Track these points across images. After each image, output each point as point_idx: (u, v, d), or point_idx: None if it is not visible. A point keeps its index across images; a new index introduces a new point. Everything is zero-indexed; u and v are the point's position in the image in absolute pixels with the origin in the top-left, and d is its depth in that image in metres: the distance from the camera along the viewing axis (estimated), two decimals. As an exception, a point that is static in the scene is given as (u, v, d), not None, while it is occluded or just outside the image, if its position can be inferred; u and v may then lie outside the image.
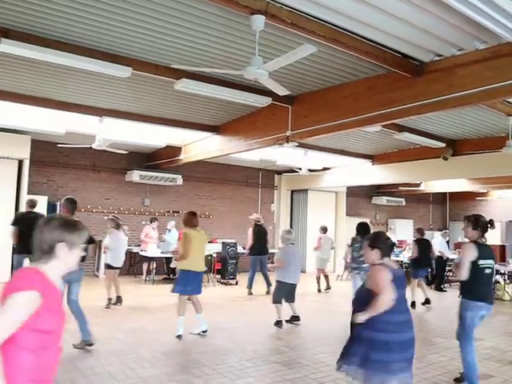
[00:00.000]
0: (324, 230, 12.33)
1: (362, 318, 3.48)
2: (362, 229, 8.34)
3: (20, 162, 11.12)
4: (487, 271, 4.80)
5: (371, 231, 8.57)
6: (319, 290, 11.72)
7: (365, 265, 8.29)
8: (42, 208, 9.78)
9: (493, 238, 20.77)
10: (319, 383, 5.01)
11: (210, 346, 6.32)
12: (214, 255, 12.53)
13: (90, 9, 4.93)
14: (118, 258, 9.00)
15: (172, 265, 11.18)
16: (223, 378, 5.04)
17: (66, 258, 2.11)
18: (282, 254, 8.02)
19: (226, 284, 12.18)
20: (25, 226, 7.96)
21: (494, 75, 5.26)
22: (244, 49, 5.82)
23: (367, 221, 17.95)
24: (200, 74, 6.56)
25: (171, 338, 6.52)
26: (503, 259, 15.49)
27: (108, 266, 9.06)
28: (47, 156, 12.05)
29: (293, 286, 7.82)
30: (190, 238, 6.76)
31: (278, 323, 7.64)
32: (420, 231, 10.67)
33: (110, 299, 8.70)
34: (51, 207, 10.90)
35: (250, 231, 11.50)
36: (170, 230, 12.72)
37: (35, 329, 1.94)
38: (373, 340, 3.45)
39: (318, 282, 11.83)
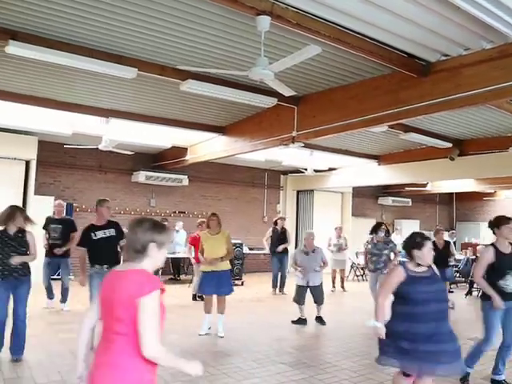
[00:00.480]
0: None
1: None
2: (377, 229, 8.84)
3: (27, 163, 11.18)
4: None
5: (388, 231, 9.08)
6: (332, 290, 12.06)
7: (379, 265, 8.47)
8: (48, 209, 9.82)
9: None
10: (325, 384, 5.00)
11: (216, 346, 6.32)
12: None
13: (95, 10, 4.95)
14: None
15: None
16: (228, 379, 5.05)
17: (156, 256, 2.31)
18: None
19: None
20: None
21: (501, 75, 5.24)
22: (249, 49, 5.82)
23: (374, 221, 17.99)
24: (205, 74, 6.57)
25: (176, 339, 6.52)
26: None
27: None
28: (54, 157, 12.10)
29: (305, 288, 7.93)
30: (202, 241, 7.04)
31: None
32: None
33: None
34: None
35: (269, 231, 11.80)
36: (178, 231, 12.74)
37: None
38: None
39: (333, 282, 12.23)
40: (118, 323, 2.18)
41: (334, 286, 12.21)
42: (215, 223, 7.09)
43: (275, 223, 11.87)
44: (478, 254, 11.51)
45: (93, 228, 6.15)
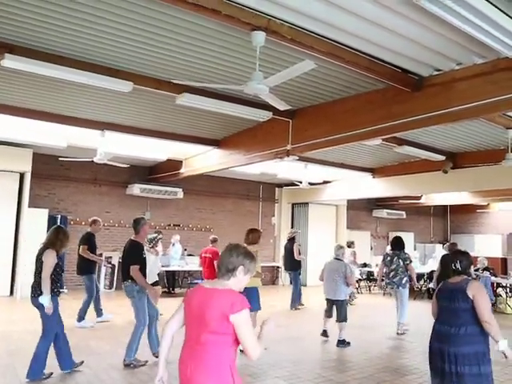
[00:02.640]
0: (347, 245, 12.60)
1: None
2: (396, 244, 8.69)
3: (21, 175, 11.17)
4: None
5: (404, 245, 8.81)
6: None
7: (395, 279, 8.45)
8: (42, 221, 9.80)
9: (494, 250, 20.78)
10: (320, 398, 4.98)
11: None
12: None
13: (91, 24, 4.99)
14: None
15: None
16: (224, 393, 5.01)
17: (241, 279, 2.67)
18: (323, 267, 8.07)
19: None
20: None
21: (493, 89, 5.30)
22: (245, 64, 5.87)
23: (368, 234, 18.02)
24: (201, 88, 6.61)
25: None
26: (505, 272, 15.47)
27: None
28: (48, 169, 12.08)
29: (329, 301, 7.76)
30: None
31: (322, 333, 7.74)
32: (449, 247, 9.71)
33: None
34: (52, 220, 10.90)
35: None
36: (174, 244, 12.71)
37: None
38: None
39: None
40: (209, 334, 2.52)
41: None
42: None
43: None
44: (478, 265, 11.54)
45: (142, 246, 6.22)
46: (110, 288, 12.67)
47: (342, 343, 7.39)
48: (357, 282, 14.30)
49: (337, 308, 7.61)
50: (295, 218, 16.81)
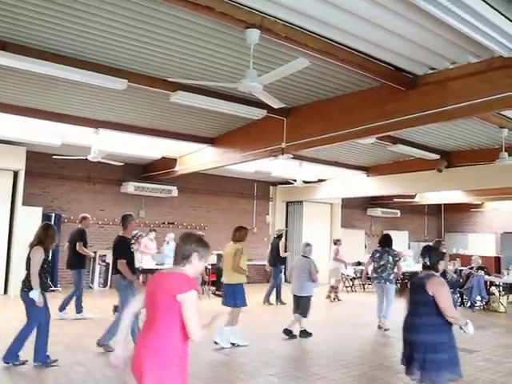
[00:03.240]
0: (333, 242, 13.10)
1: None
2: (385, 241, 9.12)
3: (15, 174, 11.11)
4: None
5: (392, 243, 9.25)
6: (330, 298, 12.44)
7: (384, 273, 8.70)
8: (36, 219, 9.76)
9: (488, 249, 20.86)
10: (314, 396, 4.99)
11: (203, 357, 6.28)
12: (209, 267, 12.50)
13: (86, 22, 4.97)
14: None
15: None
16: (217, 391, 5.02)
17: (196, 264, 2.85)
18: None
19: (220, 296, 12.11)
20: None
21: (487, 88, 5.32)
22: (239, 62, 5.86)
23: (363, 232, 18.08)
24: (195, 86, 6.60)
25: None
26: (498, 271, 15.53)
27: None
28: (42, 167, 12.02)
29: (295, 297, 7.89)
30: (223, 252, 7.43)
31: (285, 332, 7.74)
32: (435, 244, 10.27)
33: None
34: (46, 218, 10.84)
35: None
36: (168, 242, 12.69)
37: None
38: None
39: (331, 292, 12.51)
40: (159, 313, 2.70)
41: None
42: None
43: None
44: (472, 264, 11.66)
45: (129, 241, 6.67)
46: (105, 286, 12.63)
47: (288, 334, 7.62)
48: (351, 280, 14.38)
49: (301, 303, 7.77)
50: (289, 216, 16.81)
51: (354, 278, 14.46)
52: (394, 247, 9.10)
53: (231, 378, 5.47)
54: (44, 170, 12.10)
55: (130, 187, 12.75)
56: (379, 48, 5.26)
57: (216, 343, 6.76)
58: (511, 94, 5.15)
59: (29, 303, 5.51)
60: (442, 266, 4.05)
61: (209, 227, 14.74)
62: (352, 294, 13.66)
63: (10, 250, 10.88)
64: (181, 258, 2.85)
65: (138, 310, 3.00)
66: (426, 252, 4.04)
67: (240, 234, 7.22)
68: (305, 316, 7.71)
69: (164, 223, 14.09)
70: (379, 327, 8.60)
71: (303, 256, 8.05)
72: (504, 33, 4.27)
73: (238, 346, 6.84)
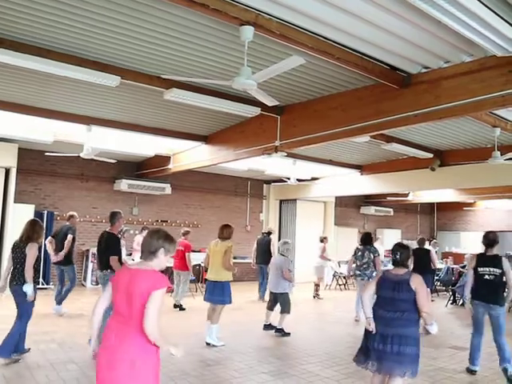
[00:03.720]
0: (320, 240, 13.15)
1: None
2: (366, 239, 9.40)
3: (7, 171, 11.02)
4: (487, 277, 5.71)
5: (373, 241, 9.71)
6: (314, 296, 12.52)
7: (367, 271, 8.89)
8: (29, 217, 9.67)
9: (480, 247, 20.95)
10: (307, 394, 4.99)
11: (197, 356, 6.28)
12: (202, 264, 12.48)
13: (79, 18, 4.94)
14: None
15: None
16: (211, 389, 5.01)
17: (162, 259, 3.01)
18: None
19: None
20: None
21: (480, 87, 5.35)
22: (233, 59, 5.85)
23: (356, 230, 18.12)
24: (189, 83, 6.57)
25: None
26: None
27: None
28: (35, 164, 11.95)
29: (272, 294, 8.01)
30: (207, 250, 7.42)
31: (264, 327, 7.92)
32: (419, 241, 10.61)
33: None
34: (38, 216, 10.77)
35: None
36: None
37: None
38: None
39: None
40: (133, 309, 2.82)
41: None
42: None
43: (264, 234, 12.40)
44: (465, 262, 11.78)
45: (119, 239, 6.77)
46: (97, 284, 12.54)
47: (280, 332, 7.72)
48: (344, 278, 14.40)
49: (279, 301, 7.87)
50: (283, 214, 16.81)
51: (351, 276, 14.47)
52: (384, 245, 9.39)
53: (225, 376, 5.46)
54: (36, 168, 12.02)
55: (124, 185, 12.68)
56: (373, 46, 5.27)
57: (208, 344, 6.81)
58: (504, 94, 5.18)
59: (20, 296, 5.58)
60: (410, 263, 4.23)
61: (202, 225, 14.72)
62: (345, 292, 13.69)
63: (2, 247, 10.80)
64: (148, 252, 2.99)
65: (105, 307, 3.12)
66: (398, 250, 4.23)
67: (228, 232, 7.21)
68: (288, 312, 7.78)
69: (157, 221, 14.05)
70: (356, 321, 9.05)
71: (281, 254, 8.10)
72: (498, 32, 4.30)
73: (214, 346, 6.84)
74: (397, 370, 3.97)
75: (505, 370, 5.60)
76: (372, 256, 9.08)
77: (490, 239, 5.87)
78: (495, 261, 5.75)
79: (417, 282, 4.04)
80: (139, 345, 2.82)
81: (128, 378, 2.78)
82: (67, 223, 9.09)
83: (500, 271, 5.65)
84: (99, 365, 2.89)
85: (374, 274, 8.81)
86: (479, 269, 5.79)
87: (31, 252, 5.66)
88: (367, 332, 4.16)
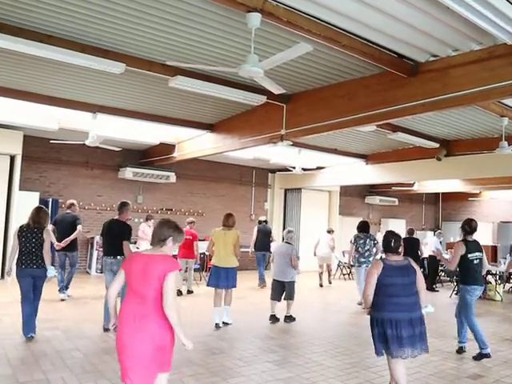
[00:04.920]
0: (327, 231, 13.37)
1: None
2: (364, 226, 9.60)
3: (12, 158, 11.04)
4: (476, 262, 6.13)
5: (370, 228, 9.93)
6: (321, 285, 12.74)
7: (371, 258, 9.05)
8: (33, 204, 9.69)
9: (485, 238, 20.89)
10: (312, 383, 5.00)
11: (202, 344, 6.29)
12: (207, 253, 12.49)
13: (83, 3, 4.89)
14: None
15: None
16: (215, 377, 5.02)
17: (171, 247, 3.33)
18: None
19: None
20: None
21: (489, 76, 5.28)
22: (239, 46, 5.80)
23: (361, 220, 18.14)
24: (194, 71, 6.52)
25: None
26: (495, 260, 15.59)
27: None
28: (40, 152, 11.96)
29: (276, 283, 7.95)
30: (212, 237, 7.57)
31: (271, 318, 7.88)
32: (409, 231, 10.95)
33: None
34: (43, 203, 10.79)
35: (255, 229, 12.45)
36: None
37: None
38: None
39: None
40: (151, 289, 3.12)
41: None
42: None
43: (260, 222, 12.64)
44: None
45: (130, 227, 6.95)
46: (101, 272, 12.61)
47: (289, 318, 7.87)
48: (348, 267, 14.41)
49: (285, 288, 7.88)
50: (288, 203, 16.78)
51: (352, 266, 14.48)
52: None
53: (229, 365, 5.48)
54: (41, 155, 12.03)
55: (128, 173, 12.69)
56: (381, 34, 5.21)
57: (224, 323, 7.35)
58: (512, 83, 5.12)
59: (41, 279, 6.06)
60: (401, 251, 4.38)
61: (207, 213, 14.72)
62: (349, 282, 13.70)
63: (7, 235, 10.84)
64: (157, 240, 3.31)
65: (118, 290, 3.41)
66: (392, 237, 4.38)
67: (232, 220, 7.54)
68: (292, 299, 7.90)
69: (162, 209, 14.06)
70: (359, 304, 9.20)
71: (286, 242, 8.06)
72: (509, 19, 4.22)
73: (227, 324, 7.39)
74: (424, 349, 4.19)
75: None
76: (372, 243, 9.40)
77: (473, 227, 6.22)
78: (478, 246, 6.24)
79: (416, 265, 4.32)
80: (157, 322, 3.11)
81: (150, 353, 3.08)
82: (68, 211, 9.19)
83: (481, 254, 6.20)
84: (120, 343, 3.16)
85: None
86: (469, 255, 6.10)
87: (49, 237, 6.14)
88: (384, 322, 4.14)
